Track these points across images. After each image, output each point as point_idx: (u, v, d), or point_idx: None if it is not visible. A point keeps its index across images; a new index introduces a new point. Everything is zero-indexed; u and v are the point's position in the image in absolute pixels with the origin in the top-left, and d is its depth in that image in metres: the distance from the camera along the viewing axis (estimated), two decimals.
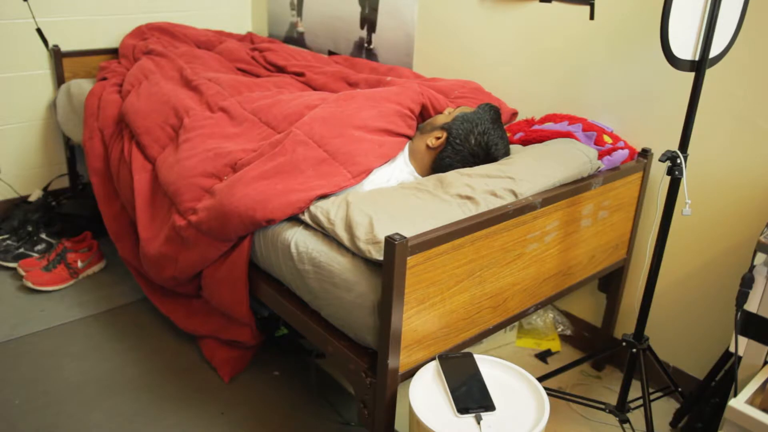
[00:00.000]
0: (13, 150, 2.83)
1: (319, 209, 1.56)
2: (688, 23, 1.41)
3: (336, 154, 1.72)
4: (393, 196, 1.60)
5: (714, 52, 1.48)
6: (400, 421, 1.46)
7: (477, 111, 1.83)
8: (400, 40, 2.63)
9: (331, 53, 2.98)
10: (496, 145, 1.78)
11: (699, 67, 1.46)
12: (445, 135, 1.80)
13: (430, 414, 1.30)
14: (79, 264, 2.49)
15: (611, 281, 2.06)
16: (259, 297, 1.83)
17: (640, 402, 1.76)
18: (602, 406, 1.83)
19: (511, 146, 1.93)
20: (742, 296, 1.46)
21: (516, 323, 2.25)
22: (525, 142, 1.94)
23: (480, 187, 1.57)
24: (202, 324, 2.02)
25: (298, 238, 1.56)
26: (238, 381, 2.00)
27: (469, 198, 1.53)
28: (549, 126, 1.95)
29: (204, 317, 2.02)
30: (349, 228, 1.45)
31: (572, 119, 1.96)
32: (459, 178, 1.64)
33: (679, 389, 1.87)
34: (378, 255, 1.36)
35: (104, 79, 2.60)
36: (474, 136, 1.77)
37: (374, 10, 2.70)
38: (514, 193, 1.57)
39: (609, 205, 1.84)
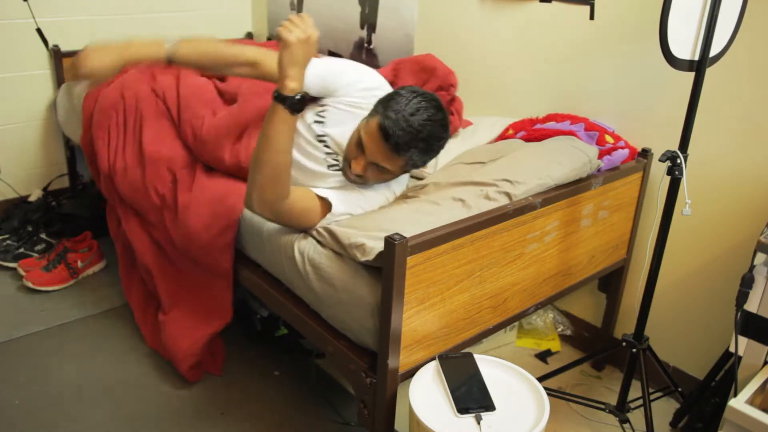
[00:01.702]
0: (13, 150, 2.83)
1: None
2: (687, 23, 1.41)
3: None
4: (384, 209, 1.61)
5: (713, 51, 1.48)
6: (400, 421, 1.46)
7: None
8: (400, 40, 2.62)
9: (331, 53, 2.98)
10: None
11: (699, 66, 1.46)
12: None
13: (430, 414, 1.30)
14: (79, 264, 2.49)
15: (611, 281, 2.06)
16: (259, 297, 1.83)
17: (640, 402, 1.75)
18: (602, 406, 1.83)
19: (513, 141, 1.92)
20: (742, 296, 1.46)
21: (516, 323, 2.25)
22: (527, 141, 1.94)
23: (474, 192, 1.57)
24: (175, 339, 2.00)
25: (300, 242, 1.57)
26: (238, 381, 2.00)
27: (461, 200, 1.53)
28: (551, 125, 1.95)
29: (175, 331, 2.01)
30: (337, 239, 1.46)
31: (574, 119, 1.96)
32: (452, 179, 1.63)
33: (679, 389, 1.87)
34: (364, 257, 1.36)
35: None
36: None
37: (374, 10, 2.70)
38: (509, 196, 1.56)
39: (609, 205, 1.84)
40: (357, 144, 1.53)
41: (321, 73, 1.65)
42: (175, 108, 2.13)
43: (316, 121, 1.69)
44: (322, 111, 1.69)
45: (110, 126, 2.23)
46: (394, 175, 1.59)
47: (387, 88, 1.71)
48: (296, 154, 1.68)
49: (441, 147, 1.57)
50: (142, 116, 2.17)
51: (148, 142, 2.09)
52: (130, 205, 2.17)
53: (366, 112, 1.59)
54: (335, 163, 1.69)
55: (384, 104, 1.51)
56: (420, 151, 1.51)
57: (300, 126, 1.69)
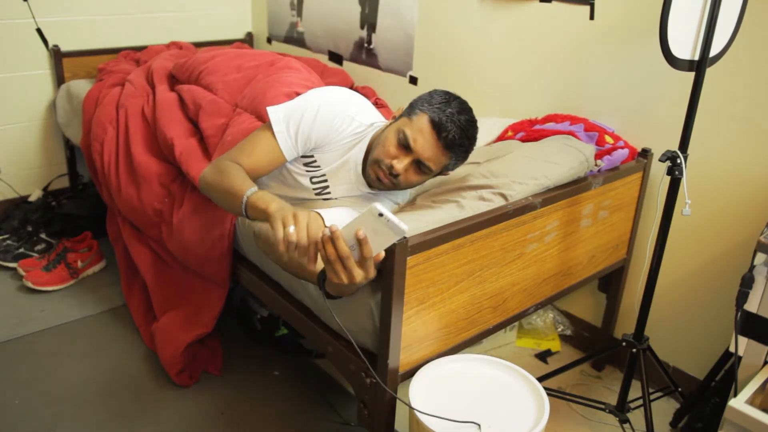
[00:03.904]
0: (13, 150, 2.83)
1: None
2: (687, 23, 1.41)
3: None
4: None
5: (713, 51, 1.48)
6: (400, 421, 1.46)
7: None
8: (400, 40, 2.62)
9: (331, 53, 2.98)
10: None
11: (699, 66, 1.46)
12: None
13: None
14: (79, 264, 2.49)
15: (611, 281, 2.06)
16: (259, 297, 1.83)
17: (640, 402, 1.75)
18: (602, 406, 1.83)
19: (509, 142, 1.92)
20: (742, 296, 1.46)
21: (516, 323, 2.25)
22: (525, 142, 1.94)
23: (468, 192, 1.56)
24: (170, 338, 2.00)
25: None
26: (238, 381, 2.00)
27: (455, 202, 1.52)
28: (550, 126, 1.95)
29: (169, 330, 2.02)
30: None
31: (574, 119, 1.96)
32: (446, 186, 1.63)
33: (679, 389, 1.87)
34: None
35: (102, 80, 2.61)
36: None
37: (374, 10, 2.70)
38: (504, 197, 1.56)
39: (609, 205, 1.84)
40: (399, 144, 1.50)
41: (310, 137, 1.59)
42: (153, 125, 2.15)
43: (308, 170, 1.67)
44: (312, 161, 1.65)
45: (105, 140, 2.24)
46: (428, 178, 1.58)
47: (367, 108, 1.67)
48: (279, 187, 1.70)
49: (470, 152, 1.57)
50: (131, 132, 2.19)
51: (139, 158, 2.10)
52: (129, 221, 2.18)
53: (363, 137, 1.60)
54: (320, 187, 1.69)
55: (426, 102, 1.51)
56: (462, 151, 1.52)
57: (281, 168, 1.68)
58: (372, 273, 1.17)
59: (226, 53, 2.38)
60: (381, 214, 1.09)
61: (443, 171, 1.58)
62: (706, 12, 1.42)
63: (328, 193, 1.67)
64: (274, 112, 1.59)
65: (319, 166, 1.65)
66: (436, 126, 1.46)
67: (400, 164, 1.49)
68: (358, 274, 1.15)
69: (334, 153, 1.62)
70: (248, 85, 2.11)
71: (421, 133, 1.47)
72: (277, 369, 2.07)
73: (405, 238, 1.22)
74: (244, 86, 2.11)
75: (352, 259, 1.14)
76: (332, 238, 1.15)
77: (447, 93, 1.54)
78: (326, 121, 1.57)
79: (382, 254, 1.15)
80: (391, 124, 1.57)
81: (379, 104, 2.46)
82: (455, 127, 1.47)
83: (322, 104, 1.58)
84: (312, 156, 1.64)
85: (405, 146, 1.49)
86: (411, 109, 1.53)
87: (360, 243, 1.12)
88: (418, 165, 1.51)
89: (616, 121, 2.00)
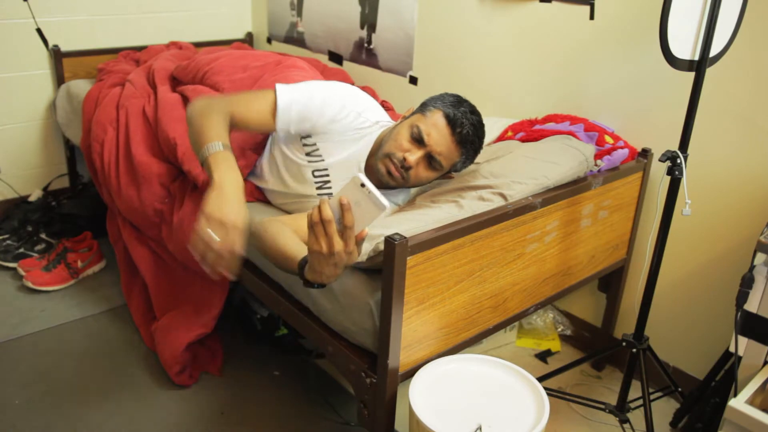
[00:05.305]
0: (13, 150, 2.83)
1: None
2: (687, 23, 1.41)
3: None
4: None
5: (713, 51, 1.48)
6: (400, 421, 1.46)
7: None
8: (400, 40, 2.62)
9: (331, 53, 2.98)
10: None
11: (699, 66, 1.46)
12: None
13: (430, 414, 1.30)
14: (79, 264, 2.49)
15: (611, 281, 2.06)
16: (259, 297, 1.83)
17: (640, 402, 1.76)
18: (602, 406, 1.83)
19: (509, 143, 1.93)
20: (742, 296, 1.46)
21: (516, 323, 2.25)
22: (525, 142, 1.94)
23: (467, 192, 1.56)
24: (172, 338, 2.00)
25: None
26: (238, 381, 2.00)
27: (454, 201, 1.52)
28: (550, 126, 1.95)
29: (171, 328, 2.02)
30: None
31: (574, 119, 1.96)
32: (446, 186, 1.63)
33: (679, 389, 1.87)
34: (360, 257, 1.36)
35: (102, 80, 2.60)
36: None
37: (374, 10, 2.70)
38: (504, 197, 1.56)
39: (609, 205, 1.84)
40: (412, 138, 1.54)
41: (301, 114, 1.61)
42: (154, 125, 2.15)
43: (310, 161, 1.68)
44: (314, 150, 1.67)
45: (105, 140, 2.24)
46: (437, 175, 1.61)
47: (375, 107, 1.72)
48: (281, 183, 1.70)
49: (478, 154, 1.63)
50: (132, 132, 2.18)
51: (139, 158, 2.09)
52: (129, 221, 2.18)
53: (368, 134, 1.64)
54: (321, 182, 1.70)
55: (440, 101, 1.58)
56: (472, 150, 1.59)
57: (284, 158, 1.70)
58: (352, 248, 1.16)
59: (231, 54, 2.38)
60: (363, 185, 1.10)
61: (450, 171, 1.62)
62: (706, 12, 1.42)
63: (329, 188, 1.67)
64: (282, 87, 1.61)
65: (321, 156, 1.65)
66: (451, 121, 1.53)
67: (413, 156, 1.53)
68: (338, 244, 1.14)
69: (336, 144, 1.64)
70: (255, 85, 2.11)
71: (435, 127, 1.53)
72: (277, 369, 2.07)
73: (389, 227, 1.20)
74: (251, 86, 2.12)
75: (333, 225, 1.14)
76: (319, 205, 1.16)
77: (457, 96, 1.61)
78: (332, 110, 1.61)
79: (366, 231, 1.16)
80: (401, 122, 1.61)
81: (385, 107, 2.46)
82: (469, 124, 1.54)
83: (331, 93, 1.63)
84: (314, 144, 1.65)
85: (418, 140, 1.54)
86: (424, 107, 1.59)
87: (342, 210, 1.12)
88: (430, 160, 1.56)
89: (616, 121, 2.00)
